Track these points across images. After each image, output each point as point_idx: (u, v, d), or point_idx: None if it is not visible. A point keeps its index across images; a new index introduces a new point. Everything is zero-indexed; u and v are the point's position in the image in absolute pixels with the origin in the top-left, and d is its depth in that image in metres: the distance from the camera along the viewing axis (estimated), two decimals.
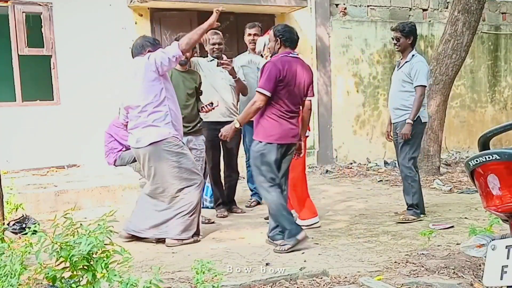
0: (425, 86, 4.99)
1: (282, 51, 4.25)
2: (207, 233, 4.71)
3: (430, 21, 9.86)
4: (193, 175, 4.44)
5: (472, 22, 7.36)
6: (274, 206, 4.20)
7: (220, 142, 5.35)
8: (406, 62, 5.06)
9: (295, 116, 4.30)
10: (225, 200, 5.58)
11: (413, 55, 5.05)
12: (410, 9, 9.69)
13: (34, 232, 2.51)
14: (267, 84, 4.11)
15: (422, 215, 5.07)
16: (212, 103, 5.01)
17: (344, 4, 9.21)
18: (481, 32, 10.14)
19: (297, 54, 4.32)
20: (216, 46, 5.39)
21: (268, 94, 4.11)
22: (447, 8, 9.70)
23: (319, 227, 4.85)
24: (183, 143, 4.51)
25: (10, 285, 2.38)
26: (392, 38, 5.21)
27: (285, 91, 4.17)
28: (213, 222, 5.14)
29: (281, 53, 4.25)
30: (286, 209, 4.21)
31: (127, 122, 4.60)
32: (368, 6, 9.40)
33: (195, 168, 4.49)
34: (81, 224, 2.55)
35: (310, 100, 4.45)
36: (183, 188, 4.41)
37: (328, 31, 9.07)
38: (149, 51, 4.40)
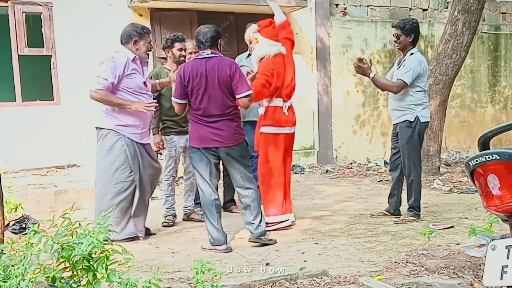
0: (407, 84, 4.82)
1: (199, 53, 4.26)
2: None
3: (430, 21, 9.87)
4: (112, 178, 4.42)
5: (472, 22, 7.35)
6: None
7: None
8: (403, 60, 4.97)
9: (220, 120, 4.14)
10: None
11: (411, 54, 4.93)
12: (410, 9, 9.69)
13: (35, 232, 2.50)
14: (176, 91, 4.21)
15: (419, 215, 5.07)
16: None
17: (344, 4, 9.21)
18: (481, 32, 10.15)
19: (210, 53, 4.13)
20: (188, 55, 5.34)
21: (179, 101, 4.18)
22: (447, 8, 9.70)
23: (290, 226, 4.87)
24: (130, 140, 4.47)
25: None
26: (393, 35, 5.08)
27: (197, 94, 4.10)
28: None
29: (194, 56, 4.29)
30: (211, 215, 4.19)
31: None
32: (368, 6, 9.40)
33: (119, 173, 4.43)
34: (79, 224, 2.55)
35: (246, 96, 4.13)
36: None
37: (328, 31, 9.07)
38: (135, 41, 4.48)
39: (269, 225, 4.68)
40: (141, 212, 4.59)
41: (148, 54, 4.66)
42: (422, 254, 3.83)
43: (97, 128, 4.53)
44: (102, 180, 4.47)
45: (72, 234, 2.49)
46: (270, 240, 4.32)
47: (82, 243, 2.35)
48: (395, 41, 5.05)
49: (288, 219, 4.84)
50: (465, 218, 5.06)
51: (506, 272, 2.06)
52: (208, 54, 4.14)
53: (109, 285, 2.53)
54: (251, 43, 5.01)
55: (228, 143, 4.17)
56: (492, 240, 2.19)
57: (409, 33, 4.93)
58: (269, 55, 4.74)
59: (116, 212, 4.31)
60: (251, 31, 4.92)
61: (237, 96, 4.15)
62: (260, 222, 4.30)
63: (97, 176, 4.54)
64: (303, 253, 4.04)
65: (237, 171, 4.27)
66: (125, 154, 4.44)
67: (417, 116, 4.90)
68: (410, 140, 4.92)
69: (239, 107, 4.29)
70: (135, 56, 4.49)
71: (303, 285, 3.33)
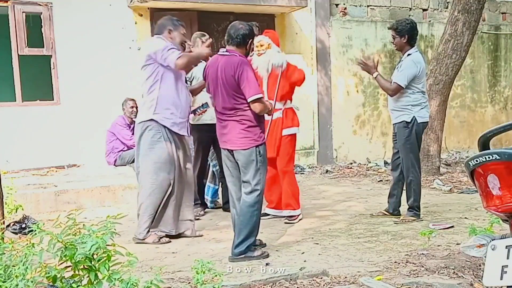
0: (402, 87, 4.82)
1: None
2: (207, 234, 4.72)
3: (430, 21, 9.87)
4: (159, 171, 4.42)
5: (472, 22, 7.35)
6: None
7: (213, 144, 5.42)
8: (401, 61, 4.98)
9: (227, 120, 3.93)
10: (202, 200, 5.69)
11: (408, 54, 4.92)
12: (410, 9, 9.69)
13: (40, 231, 2.51)
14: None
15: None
16: (204, 105, 5.13)
17: (344, 4, 9.21)
18: (481, 32, 10.15)
19: (224, 51, 3.97)
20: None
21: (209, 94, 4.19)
22: (447, 8, 9.70)
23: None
24: (169, 132, 4.44)
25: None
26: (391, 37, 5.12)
27: (211, 90, 4.02)
28: (198, 219, 5.14)
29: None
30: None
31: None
32: (368, 6, 9.40)
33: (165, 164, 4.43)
34: (83, 224, 2.55)
35: (255, 100, 3.82)
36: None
37: (328, 31, 9.07)
38: (169, 30, 4.50)
39: (294, 218, 5.02)
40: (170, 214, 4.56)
41: (184, 47, 4.66)
42: (422, 254, 3.83)
43: (140, 122, 4.49)
44: (147, 179, 4.45)
45: (75, 234, 2.49)
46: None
47: (86, 243, 2.35)
48: (392, 43, 5.10)
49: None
50: (465, 218, 5.06)
51: (506, 272, 2.07)
52: (223, 51, 3.98)
53: (109, 285, 2.53)
54: (262, 46, 4.98)
55: (233, 146, 3.93)
56: (492, 240, 2.19)
57: (402, 34, 4.91)
58: (284, 66, 4.94)
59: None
60: (262, 36, 5.06)
61: (248, 100, 3.86)
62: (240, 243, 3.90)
63: (142, 172, 4.48)
64: (303, 253, 4.04)
65: (234, 177, 4.04)
66: (167, 151, 4.42)
67: (414, 116, 4.89)
68: (408, 140, 4.91)
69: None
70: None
71: (303, 285, 3.33)
